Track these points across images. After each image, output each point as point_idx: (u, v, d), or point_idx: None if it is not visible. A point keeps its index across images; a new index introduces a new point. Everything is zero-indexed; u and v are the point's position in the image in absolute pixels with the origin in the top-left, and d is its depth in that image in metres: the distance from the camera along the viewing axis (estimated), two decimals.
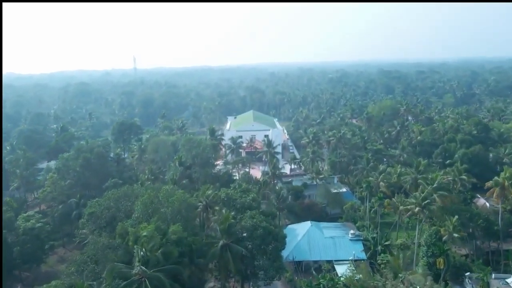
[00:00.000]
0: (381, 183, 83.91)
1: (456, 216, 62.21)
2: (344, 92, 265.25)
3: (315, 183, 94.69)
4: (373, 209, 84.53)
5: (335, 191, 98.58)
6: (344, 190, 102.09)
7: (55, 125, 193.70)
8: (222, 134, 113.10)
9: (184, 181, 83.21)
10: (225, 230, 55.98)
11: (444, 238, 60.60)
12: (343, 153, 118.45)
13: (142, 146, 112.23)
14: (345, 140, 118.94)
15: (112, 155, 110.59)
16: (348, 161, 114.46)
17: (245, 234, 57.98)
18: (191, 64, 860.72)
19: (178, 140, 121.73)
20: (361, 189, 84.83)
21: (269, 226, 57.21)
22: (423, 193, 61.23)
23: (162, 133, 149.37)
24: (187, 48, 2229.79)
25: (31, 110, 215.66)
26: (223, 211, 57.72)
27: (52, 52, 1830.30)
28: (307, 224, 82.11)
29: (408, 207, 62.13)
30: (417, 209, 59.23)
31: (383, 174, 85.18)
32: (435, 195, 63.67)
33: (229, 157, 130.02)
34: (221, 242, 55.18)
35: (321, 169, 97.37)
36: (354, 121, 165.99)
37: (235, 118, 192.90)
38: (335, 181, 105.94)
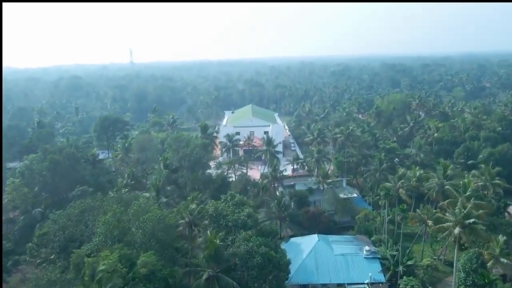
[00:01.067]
0: (400, 189, 71.41)
1: (504, 237, 49.74)
2: (348, 85, 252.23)
3: (322, 188, 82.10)
4: (388, 217, 72.29)
5: (344, 196, 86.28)
6: (355, 195, 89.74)
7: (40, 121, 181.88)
8: (216, 131, 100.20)
9: (169, 187, 70.94)
10: (211, 257, 43.64)
11: (488, 264, 48.25)
12: (351, 152, 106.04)
13: (126, 145, 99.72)
14: (353, 138, 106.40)
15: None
16: (358, 161, 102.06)
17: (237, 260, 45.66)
18: (190, 58, 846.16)
19: (168, 138, 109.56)
20: (378, 197, 72.26)
21: (269, 251, 44.80)
22: (464, 208, 48.40)
23: (153, 129, 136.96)
24: (186, 42, 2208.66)
25: (16, 105, 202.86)
26: (208, 232, 45.21)
27: (50, 46, 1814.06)
28: (313, 238, 69.72)
29: (445, 225, 49.55)
30: (457, 230, 46.70)
31: (402, 180, 72.46)
32: (476, 211, 50.63)
33: (224, 156, 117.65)
34: (206, 274, 42.85)
35: (329, 172, 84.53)
36: (360, 116, 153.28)
37: (232, 113, 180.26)
38: (344, 184, 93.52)
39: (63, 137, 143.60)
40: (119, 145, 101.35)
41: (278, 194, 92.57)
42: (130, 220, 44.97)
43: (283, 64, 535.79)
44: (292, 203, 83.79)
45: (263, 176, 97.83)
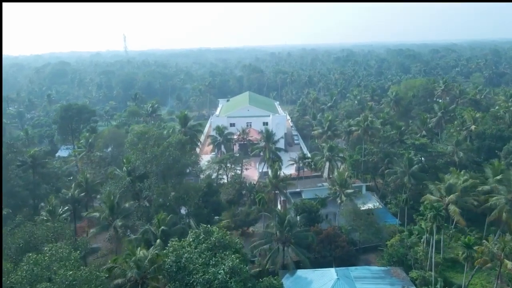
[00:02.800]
0: (452, 206, 51.45)
1: None
2: (356, 71, 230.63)
3: (339, 201, 61.89)
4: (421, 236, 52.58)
5: (365, 207, 66.34)
6: (380, 206, 69.92)
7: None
8: (199, 125, 79.24)
9: (127, 204, 50.92)
10: None
11: None
12: (370, 148, 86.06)
13: (91, 140, 79.67)
14: (373, 131, 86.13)
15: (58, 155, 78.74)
16: (379, 160, 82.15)
17: None
18: (188, 46, 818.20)
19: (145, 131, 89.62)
20: (421, 216, 52.23)
21: None
22: None
23: (133, 119, 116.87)
24: (184, 30, 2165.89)
25: None
26: None
27: (47, 34, 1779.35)
28: (329, 275, 49.98)
29: None
30: None
31: (456, 193, 52.28)
32: None
33: (215, 153, 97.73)
34: None
35: (348, 178, 64.03)
36: (371, 104, 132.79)
37: (227, 101, 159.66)
38: (364, 190, 73.53)
39: (34, 128, 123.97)
40: (81, 140, 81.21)
41: (279, 206, 72.98)
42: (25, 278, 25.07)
43: (284, 51, 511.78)
44: (298, 217, 64.36)
45: (260, 181, 78.44)
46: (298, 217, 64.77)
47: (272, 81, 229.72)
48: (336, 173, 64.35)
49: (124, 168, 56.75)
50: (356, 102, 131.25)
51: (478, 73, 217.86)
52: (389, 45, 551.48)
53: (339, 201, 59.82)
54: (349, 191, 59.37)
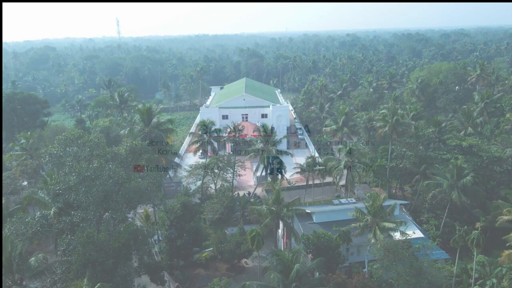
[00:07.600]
0: None
1: None
2: (365, 55, 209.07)
3: (373, 240, 41.62)
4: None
5: (402, 237, 46.21)
6: (422, 235, 50.16)
7: None
8: (170, 122, 58.28)
9: (41, 255, 31.07)
10: None
11: None
12: (398, 150, 66.31)
13: (31, 141, 59.81)
14: (404, 128, 65.95)
15: None
16: (413, 168, 62.49)
17: None
18: (185, 33, 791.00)
19: (109, 127, 69.57)
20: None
21: None
22: None
23: (105, 112, 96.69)
24: (181, 15, 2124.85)
25: None
26: None
27: (43, 20, 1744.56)
28: None
29: None
30: None
31: None
32: None
33: (200, 153, 77.92)
34: None
35: (385, 207, 43.62)
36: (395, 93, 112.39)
37: (221, 88, 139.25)
38: (397, 211, 53.47)
39: None
40: (22, 141, 61.33)
41: (280, 233, 53.48)
42: None
43: (284, 37, 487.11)
44: (310, 257, 44.82)
45: (257, 186, 58.85)
46: (309, 255, 45.42)
47: (273, 67, 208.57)
48: (366, 194, 44.44)
49: (49, 191, 36.89)
50: (371, 90, 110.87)
51: (500, 58, 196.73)
52: (393, 31, 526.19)
53: (372, 240, 39.91)
54: (388, 224, 39.33)
